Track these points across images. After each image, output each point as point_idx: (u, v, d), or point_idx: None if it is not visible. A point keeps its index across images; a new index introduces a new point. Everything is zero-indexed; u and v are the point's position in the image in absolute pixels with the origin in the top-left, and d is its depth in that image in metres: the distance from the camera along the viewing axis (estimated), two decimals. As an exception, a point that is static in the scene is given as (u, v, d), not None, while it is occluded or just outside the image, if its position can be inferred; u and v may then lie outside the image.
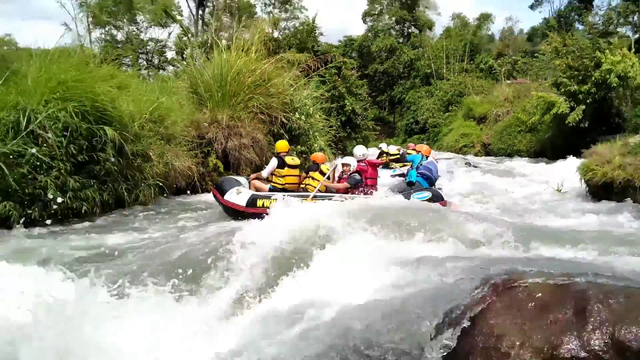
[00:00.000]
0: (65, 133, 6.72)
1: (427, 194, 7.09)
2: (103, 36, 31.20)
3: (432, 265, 3.54)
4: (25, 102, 6.63)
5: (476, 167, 16.28)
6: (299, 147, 12.04)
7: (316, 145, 12.78)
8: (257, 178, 7.90)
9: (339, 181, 7.69)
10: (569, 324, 2.39)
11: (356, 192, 7.29)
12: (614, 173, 7.86)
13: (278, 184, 7.62)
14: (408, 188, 7.75)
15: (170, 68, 29.87)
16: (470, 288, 2.80)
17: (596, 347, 2.27)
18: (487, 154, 25.80)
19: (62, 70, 7.29)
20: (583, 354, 2.25)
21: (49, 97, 6.90)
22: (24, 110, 6.53)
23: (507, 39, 53.33)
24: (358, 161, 7.80)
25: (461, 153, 26.60)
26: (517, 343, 2.39)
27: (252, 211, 6.70)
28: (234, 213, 7.09)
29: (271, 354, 2.63)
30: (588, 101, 16.75)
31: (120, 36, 32.08)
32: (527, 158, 20.71)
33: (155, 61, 32.46)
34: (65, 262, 4.44)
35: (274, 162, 7.69)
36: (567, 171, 9.99)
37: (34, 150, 6.33)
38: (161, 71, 28.92)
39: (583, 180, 8.75)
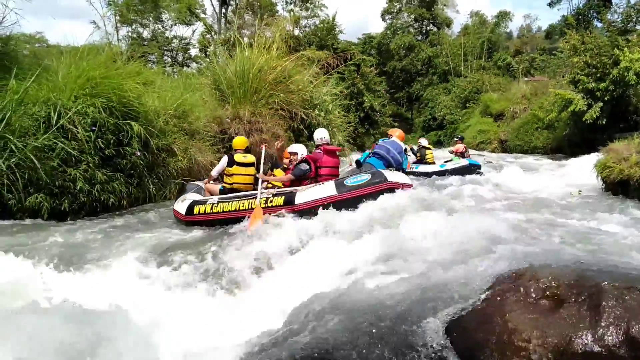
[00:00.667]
0: (93, 128, 6.94)
1: (365, 177, 5.89)
2: (130, 34, 31.63)
3: (445, 258, 3.60)
4: (56, 98, 6.87)
5: (490, 162, 16.44)
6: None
7: (334, 141, 12.84)
8: (211, 180, 7.44)
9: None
10: (583, 319, 2.41)
11: (306, 184, 6.47)
12: (630, 170, 7.74)
13: (227, 183, 7.06)
14: (358, 172, 6.74)
15: (194, 65, 30.19)
16: (484, 282, 2.84)
17: (610, 343, 2.29)
18: (504, 150, 25.61)
19: (91, 68, 7.50)
20: (597, 349, 2.26)
21: (78, 93, 7.13)
22: (54, 105, 6.76)
23: (525, 36, 52.77)
24: (317, 146, 6.99)
25: (478, 149, 26.41)
26: (532, 338, 2.41)
27: (190, 219, 6.21)
28: (182, 222, 6.43)
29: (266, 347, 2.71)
30: (606, 99, 16.57)
31: (146, 34, 32.49)
32: (544, 155, 20.50)
33: (180, 58, 32.81)
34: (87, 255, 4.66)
35: (223, 160, 7.14)
36: (584, 169, 9.90)
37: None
38: (185, 68, 29.30)
39: (600, 178, 8.67)
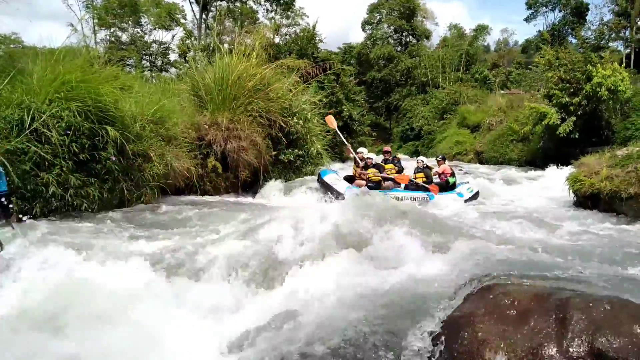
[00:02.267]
0: (67, 132, 6.81)
1: None
2: (108, 37, 31.25)
3: (414, 266, 3.65)
4: (29, 101, 6.72)
5: (467, 173, 16.47)
6: (296, 150, 12.17)
7: (313, 149, 12.88)
8: None
9: None
10: (550, 331, 2.47)
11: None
12: (601, 184, 7.98)
13: None
14: None
15: (173, 70, 29.95)
16: (453, 293, 2.89)
17: (575, 355, 2.35)
18: (480, 161, 26.03)
19: (67, 71, 7.37)
20: (563, 361, 2.30)
21: (53, 96, 6.99)
22: (28, 108, 6.62)
23: (502, 50, 53.84)
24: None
25: (454, 160, 26.79)
26: (499, 349, 2.47)
27: None
28: None
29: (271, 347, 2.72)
30: (579, 113, 17.12)
31: (124, 38, 32.15)
32: (518, 167, 20.92)
33: (159, 63, 32.52)
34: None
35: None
36: (557, 180, 10.15)
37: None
38: (164, 73, 29.02)
39: (571, 191, 8.88)
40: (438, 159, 12.12)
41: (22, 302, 3.21)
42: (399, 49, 52.24)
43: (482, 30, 50.30)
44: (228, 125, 10.60)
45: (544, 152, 19.72)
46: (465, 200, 9.66)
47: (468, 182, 11.20)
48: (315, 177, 10.46)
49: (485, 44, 54.45)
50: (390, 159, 11.02)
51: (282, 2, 38.60)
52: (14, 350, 2.68)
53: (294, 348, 2.68)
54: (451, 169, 11.25)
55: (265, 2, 38.37)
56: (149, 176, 8.32)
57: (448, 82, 42.65)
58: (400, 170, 10.64)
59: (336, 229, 4.70)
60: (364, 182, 10.20)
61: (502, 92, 33.34)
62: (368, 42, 51.98)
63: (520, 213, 7.92)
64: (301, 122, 12.45)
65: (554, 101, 17.84)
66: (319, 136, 13.45)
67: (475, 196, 10.11)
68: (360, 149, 11.09)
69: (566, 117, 17.38)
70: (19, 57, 9.46)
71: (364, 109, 37.83)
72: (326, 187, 9.83)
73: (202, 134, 10.50)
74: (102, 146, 7.31)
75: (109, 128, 7.33)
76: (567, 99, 17.20)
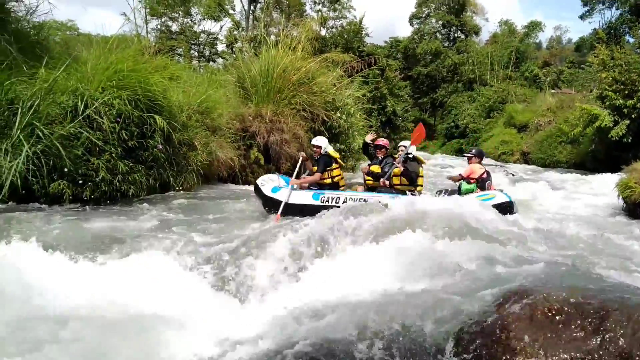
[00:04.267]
0: (118, 119, 7.09)
1: None
2: (159, 27, 32.06)
3: (452, 271, 3.61)
4: (83, 89, 7.03)
5: (514, 175, 15.97)
6: (338, 144, 12.20)
7: (355, 143, 12.89)
8: None
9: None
10: (587, 341, 2.42)
11: None
12: (652, 193, 7.66)
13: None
14: None
15: (220, 60, 30.43)
16: (493, 298, 2.84)
17: (614, 366, 2.30)
18: (526, 162, 25.28)
19: (120, 60, 7.66)
20: (600, 372, 2.28)
21: (105, 84, 7.29)
22: (82, 95, 6.92)
23: (554, 48, 51.94)
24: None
25: (500, 160, 26.12)
26: (534, 357, 2.43)
27: None
28: None
29: (297, 339, 2.77)
30: (633, 116, 16.28)
31: (174, 27, 32.89)
32: (566, 170, 20.22)
33: (206, 53, 33.13)
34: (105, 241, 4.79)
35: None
36: (606, 185, 9.79)
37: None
38: (211, 63, 29.56)
39: (620, 197, 8.55)
40: (469, 154, 8.32)
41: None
42: (446, 44, 51.31)
43: (534, 26, 48.61)
44: (272, 118, 10.75)
45: (593, 155, 18.97)
46: (496, 206, 6.63)
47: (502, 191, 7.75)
48: (356, 173, 10.37)
49: (537, 41, 52.59)
50: (381, 157, 7.84)
51: (329, -6, 38.52)
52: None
53: (324, 341, 2.71)
54: (484, 170, 7.88)
55: (312, -7, 38.40)
56: (193, 164, 8.56)
57: (496, 79, 41.62)
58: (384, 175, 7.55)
59: (374, 227, 4.70)
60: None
61: (552, 91, 32.18)
62: (415, 36, 51.23)
63: (563, 218, 7.70)
64: (344, 116, 12.48)
65: (607, 103, 17.08)
66: (361, 131, 13.44)
67: (506, 206, 7.01)
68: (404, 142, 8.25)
69: (619, 120, 16.62)
70: (74, 44, 9.89)
71: (408, 105, 37.44)
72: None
73: (246, 125, 10.70)
74: (149, 134, 7.56)
75: (157, 117, 7.59)
76: (621, 101, 16.43)
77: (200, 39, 33.82)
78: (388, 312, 2.94)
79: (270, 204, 7.00)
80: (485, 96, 38.44)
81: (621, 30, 38.90)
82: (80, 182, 6.57)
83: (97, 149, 6.86)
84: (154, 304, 3.27)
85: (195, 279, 3.92)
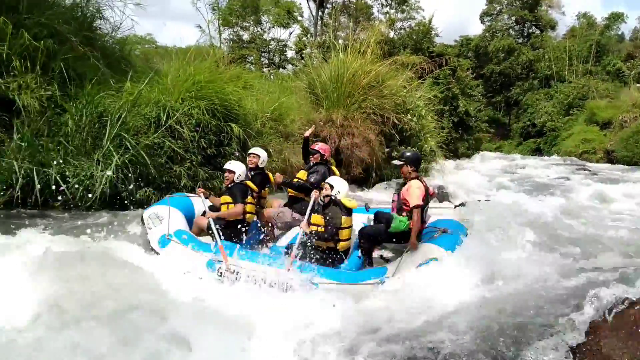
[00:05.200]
0: (197, 128, 7.45)
1: None
2: (231, 36, 33.12)
3: (541, 276, 3.49)
4: (165, 100, 7.44)
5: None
6: (409, 147, 12.05)
7: (427, 146, 12.69)
8: None
9: None
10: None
11: None
12: None
13: None
14: None
15: (290, 67, 30.97)
16: (580, 305, 2.75)
17: None
18: (610, 161, 23.73)
19: (197, 72, 8.04)
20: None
21: (184, 95, 7.68)
22: (164, 107, 7.33)
23: (639, 39, 48.29)
24: None
25: (581, 159, 24.68)
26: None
27: None
28: None
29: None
30: None
31: (246, 36, 33.83)
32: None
33: (276, 60, 33.84)
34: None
35: None
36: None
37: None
38: (281, 69, 30.17)
39: None
40: (398, 161, 5.25)
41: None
42: (520, 40, 49.17)
43: (616, 18, 45.56)
44: (342, 122, 10.81)
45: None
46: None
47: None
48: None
49: (620, 32, 49.16)
50: (312, 163, 6.56)
51: (397, -4, 38.12)
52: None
53: (414, 344, 2.74)
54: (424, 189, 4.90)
55: (380, -4, 38.17)
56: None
57: (575, 75, 39.41)
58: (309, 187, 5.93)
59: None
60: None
61: (637, 85, 30.03)
62: (487, 34, 49.59)
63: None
64: (415, 118, 12.33)
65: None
66: (433, 133, 13.22)
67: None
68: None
69: None
70: (152, 56, 10.46)
71: (481, 104, 36.28)
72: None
73: (317, 130, 10.82)
74: (227, 142, 7.86)
75: (233, 125, 7.87)
76: None
77: (270, 47, 34.59)
78: (478, 319, 2.90)
79: None
80: (564, 93, 36.48)
81: None
82: (164, 188, 6.93)
83: (179, 157, 7.23)
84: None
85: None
